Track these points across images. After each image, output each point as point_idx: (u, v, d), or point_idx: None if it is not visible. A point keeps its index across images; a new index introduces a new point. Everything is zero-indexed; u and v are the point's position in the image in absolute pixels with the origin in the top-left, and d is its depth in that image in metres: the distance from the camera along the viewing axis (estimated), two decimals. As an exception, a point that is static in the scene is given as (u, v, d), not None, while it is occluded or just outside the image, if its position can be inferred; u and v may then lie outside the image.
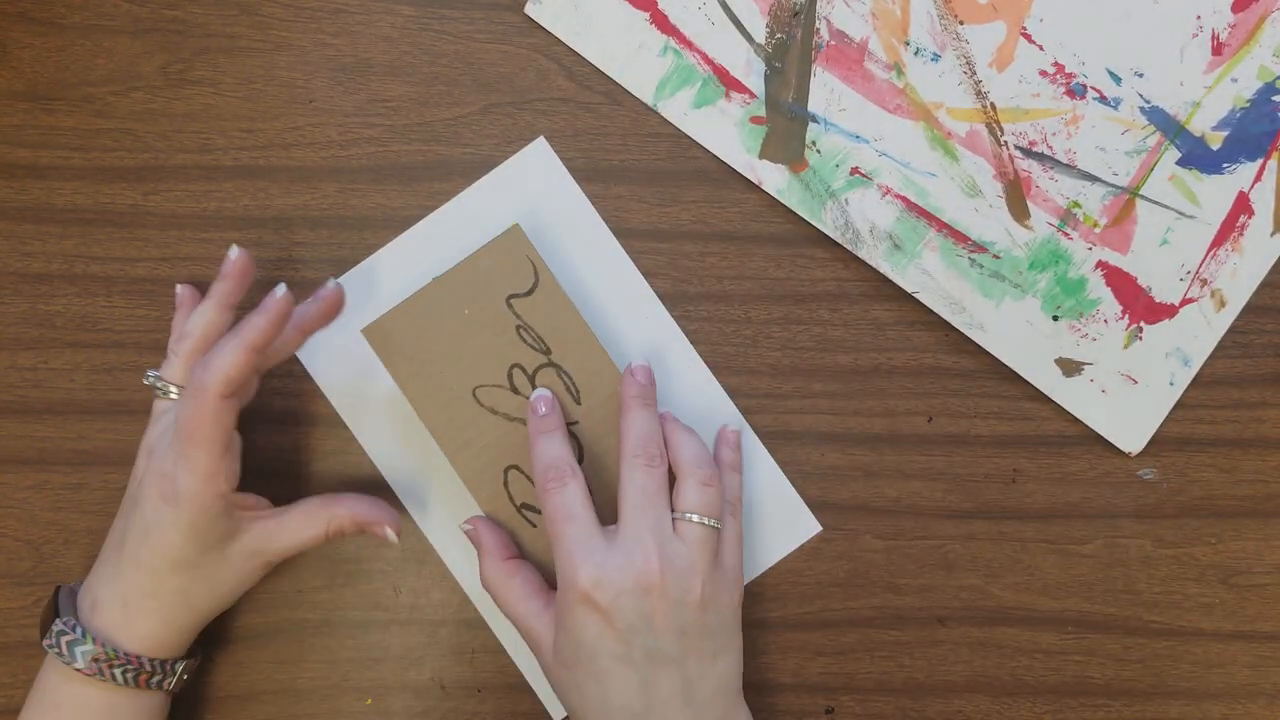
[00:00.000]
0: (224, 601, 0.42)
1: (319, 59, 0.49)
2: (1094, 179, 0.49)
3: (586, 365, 0.45)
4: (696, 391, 0.48)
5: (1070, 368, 0.49)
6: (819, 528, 0.48)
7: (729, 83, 0.49)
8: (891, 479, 0.49)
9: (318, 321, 0.44)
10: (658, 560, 0.40)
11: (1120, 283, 0.49)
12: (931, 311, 0.49)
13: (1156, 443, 0.49)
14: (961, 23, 0.49)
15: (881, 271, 0.49)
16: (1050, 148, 0.49)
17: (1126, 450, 0.49)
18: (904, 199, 0.49)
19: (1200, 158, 0.49)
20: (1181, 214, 0.49)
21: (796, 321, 0.49)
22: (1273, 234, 0.49)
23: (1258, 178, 0.49)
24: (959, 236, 0.49)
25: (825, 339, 0.49)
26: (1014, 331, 0.48)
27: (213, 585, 0.41)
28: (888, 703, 0.48)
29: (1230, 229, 0.49)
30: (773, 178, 0.49)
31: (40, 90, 0.48)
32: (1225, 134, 0.49)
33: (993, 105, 0.49)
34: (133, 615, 0.40)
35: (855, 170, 0.49)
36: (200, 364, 0.39)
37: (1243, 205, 0.49)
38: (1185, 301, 0.49)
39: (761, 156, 0.49)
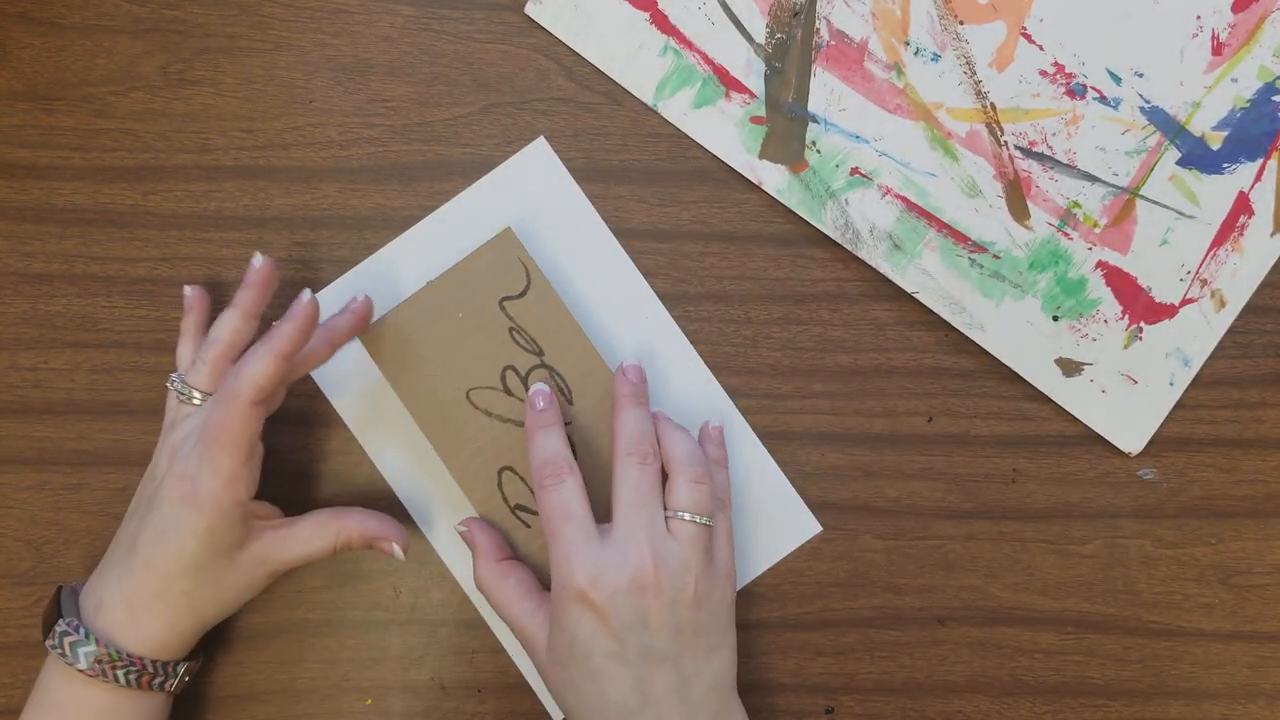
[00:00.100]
0: (228, 608, 0.42)
1: (319, 59, 0.49)
2: (1094, 179, 0.49)
3: (579, 366, 0.45)
4: (696, 391, 0.48)
5: (1070, 368, 0.49)
6: (819, 528, 0.48)
7: (729, 83, 0.49)
8: (891, 479, 0.49)
9: (346, 334, 0.44)
10: (651, 558, 0.40)
11: (1120, 283, 0.49)
12: (931, 311, 0.49)
13: (1156, 443, 0.49)
14: (961, 23, 0.49)
15: (881, 271, 0.49)
16: (1050, 148, 0.49)
17: (1126, 450, 0.49)
18: (904, 199, 0.49)
19: (1200, 158, 0.49)
20: (1181, 214, 0.49)
21: (796, 321, 0.49)
22: (1273, 234, 0.49)
23: (1258, 178, 0.49)
24: (959, 236, 0.49)
25: (825, 339, 0.49)
26: (1014, 331, 0.49)
27: (219, 591, 0.41)
28: (888, 703, 0.48)
29: (1230, 229, 0.49)
30: (773, 178, 0.49)
31: (40, 90, 0.48)
32: (1225, 134, 0.49)
33: (993, 105, 0.49)
34: (137, 617, 0.40)
35: (855, 170, 0.49)
36: (231, 371, 0.39)
37: (1243, 205, 0.49)
38: (1185, 301, 0.49)
39: (761, 156, 0.49)
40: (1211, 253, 0.49)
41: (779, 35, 0.49)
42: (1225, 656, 0.48)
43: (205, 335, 0.45)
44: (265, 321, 0.43)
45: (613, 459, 0.42)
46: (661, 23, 0.49)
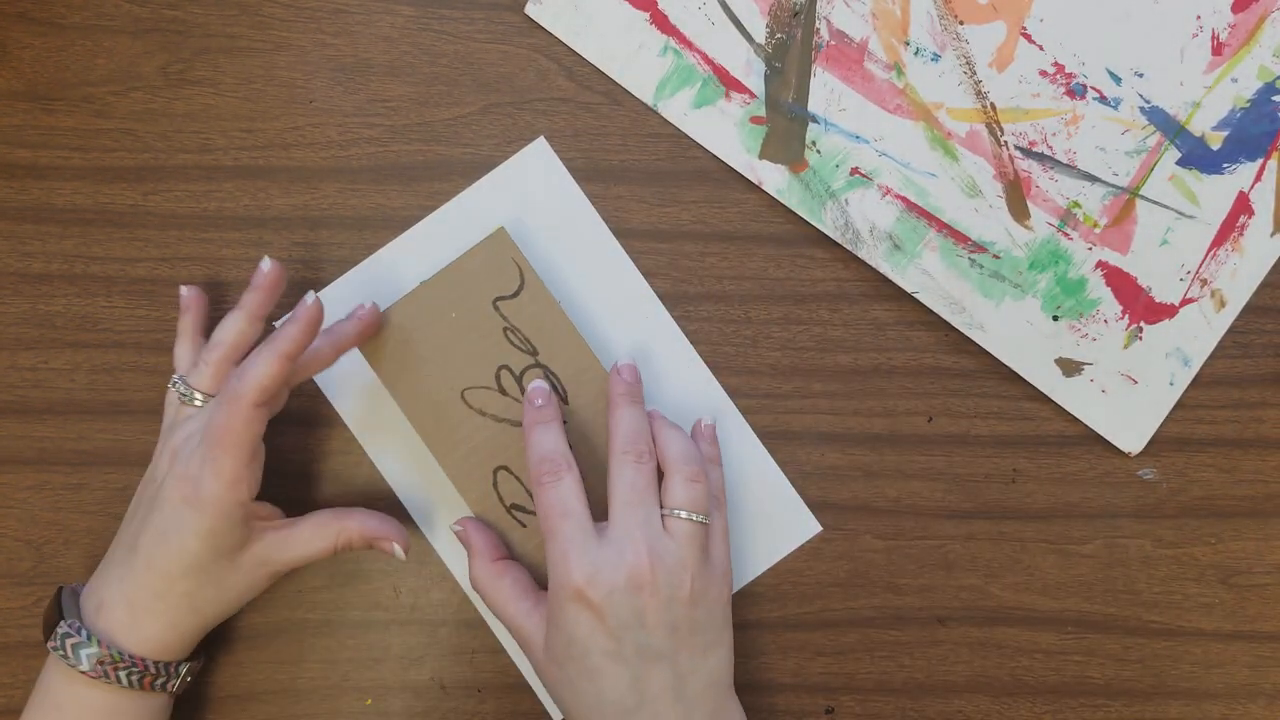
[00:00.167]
0: (229, 608, 0.42)
1: (319, 59, 0.49)
2: (1094, 179, 0.49)
3: (573, 365, 0.45)
4: (696, 392, 0.48)
5: (1070, 368, 0.49)
6: (819, 528, 0.48)
7: (729, 83, 0.49)
8: (891, 479, 0.49)
9: (352, 340, 0.44)
10: (648, 557, 0.40)
11: (1120, 283, 0.49)
12: (931, 311, 0.49)
13: (1156, 443, 0.49)
14: (961, 23, 0.49)
15: (881, 271, 0.49)
16: (1050, 148, 0.49)
17: (1126, 450, 0.49)
18: (904, 199, 0.49)
19: (1200, 158, 0.49)
20: (1181, 214, 0.49)
21: (796, 321, 0.49)
22: (1273, 234, 0.49)
23: (1258, 178, 0.49)
24: (959, 236, 0.49)
25: (825, 339, 0.49)
26: (1014, 331, 0.49)
27: (220, 591, 0.41)
28: (888, 703, 0.48)
29: (1230, 229, 0.49)
30: (773, 178, 0.49)
31: (40, 90, 0.48)
32: (1225, 134, 0.49)
33: (993, 105, 0.49)
34: (139, 617, 0.40)
35: (855, 170, 0.49)
36: (235, 373, 0.39)
37: (1243, 205, 0.49)
38: (1185, 301, 0.49)
39: (761, 156, 0.49)
40: (1211, 253, 0.49)
41: (779, 35, 0.49)
42: (1225, 656, 0.48)
43: (202, 336, 0.46)
44: (267, 325, 0.44)
45: (608, 458, 0.42)
46: (661, 23, 0.49)
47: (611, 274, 0.49)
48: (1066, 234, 0.49)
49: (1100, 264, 0.49)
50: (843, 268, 0.49)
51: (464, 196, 0.49)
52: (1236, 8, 0.49)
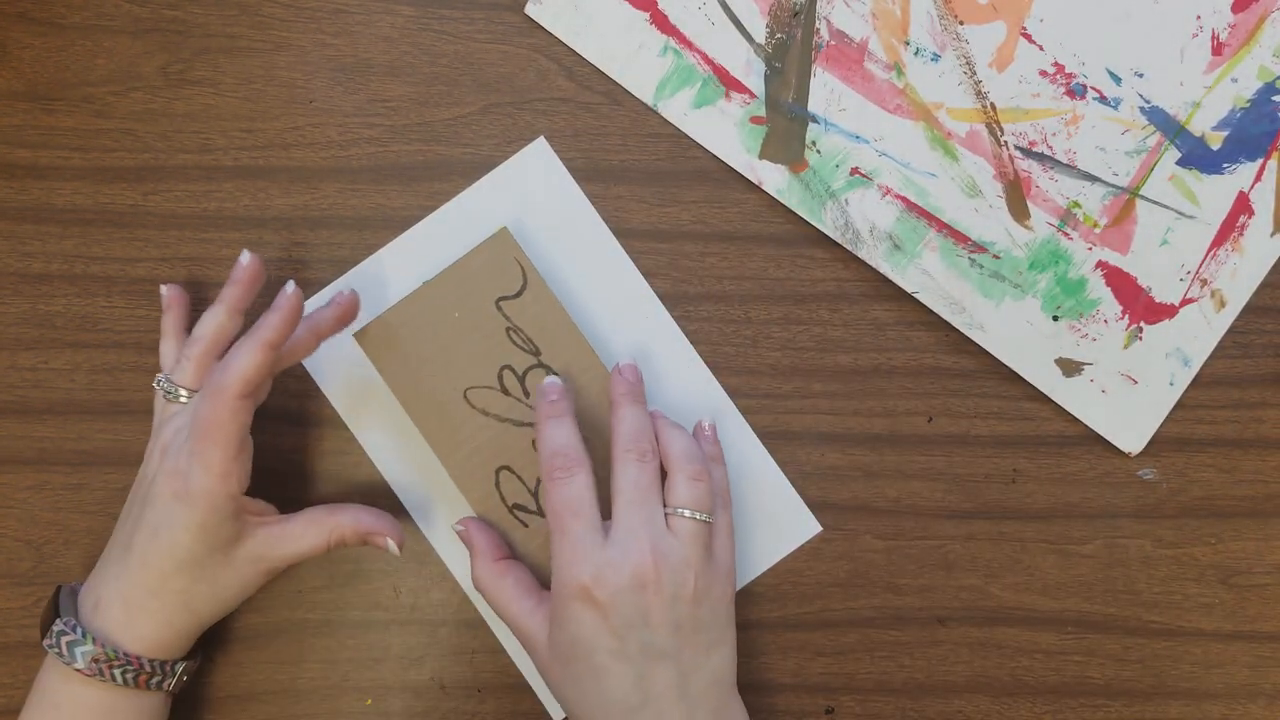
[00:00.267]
0: (225, 606, 0.42)
1: (319, 59, 0.49)
2: (1094, 179, 0.49)
3: (576, 365, 0.45)
4: (696, 392, 0.48)
5: (1070, 368, 0.49)
6: (819, 528, 0.48)
7: (729, 83, 0.49)
8: (891, 479, 0.49)
9: (332, 326, 0.44)
10: (651, 556, 0.40)
11: (1120, 283, 0.49)
12: (931, 311, 0.49)
13: (1156, 443, 0.49)
14: (961, 23, 0.49)
15: (881, 271, 0.49)
16: (1050, 148, 0.49)
17: (1126, 450, 0.49)
18: (904, 199, 0.49)
19: (1200, 158, 0.49)
20: (1181, 214, 0.49)
21: (796, 321, 0.49)
22: (1273, 234, 0.49)
23: (1258, 178, 0.49)
24: (959, 236, 0.49)
25: (825, 339, 0.49)
26: (1014, 331, 0.48)
27: (215, 589, 0.41)
28: (888, 703, 0.48)
29: (1230, 229, 0.49)
30: (773, 178, 0.49)
31: (40, 90, 0.48)
32: (1225, 134, 0.49)
33: (993, 105, 0.49)
34: (134, 615, 0.40)
35: (855, 170, 0.49)
36: (218, 366, 0.39)
37: (1243, 205, 0.49)
38: (1185, 301, 0.49)
39: (761, 156, 0.49)
40: (1211, 253, 0.49)
41: (779, 35, 0.49)
42: (1225, 656, 0.48)
43: (186, 333, 0.46)
44: (249, 318, 0.43)
45: (611, 457, 0.42)
46: (661, 23, 0.49)
47: (611, 274, 0.49)
48: (1066, 234, 0.49)
49: (1100, 264, 0.49)
50: (843, 268, 0.49)
51: (464, 197, 0.49)
52: (1236, 8, 0.49)
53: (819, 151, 0.49)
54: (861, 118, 0.49)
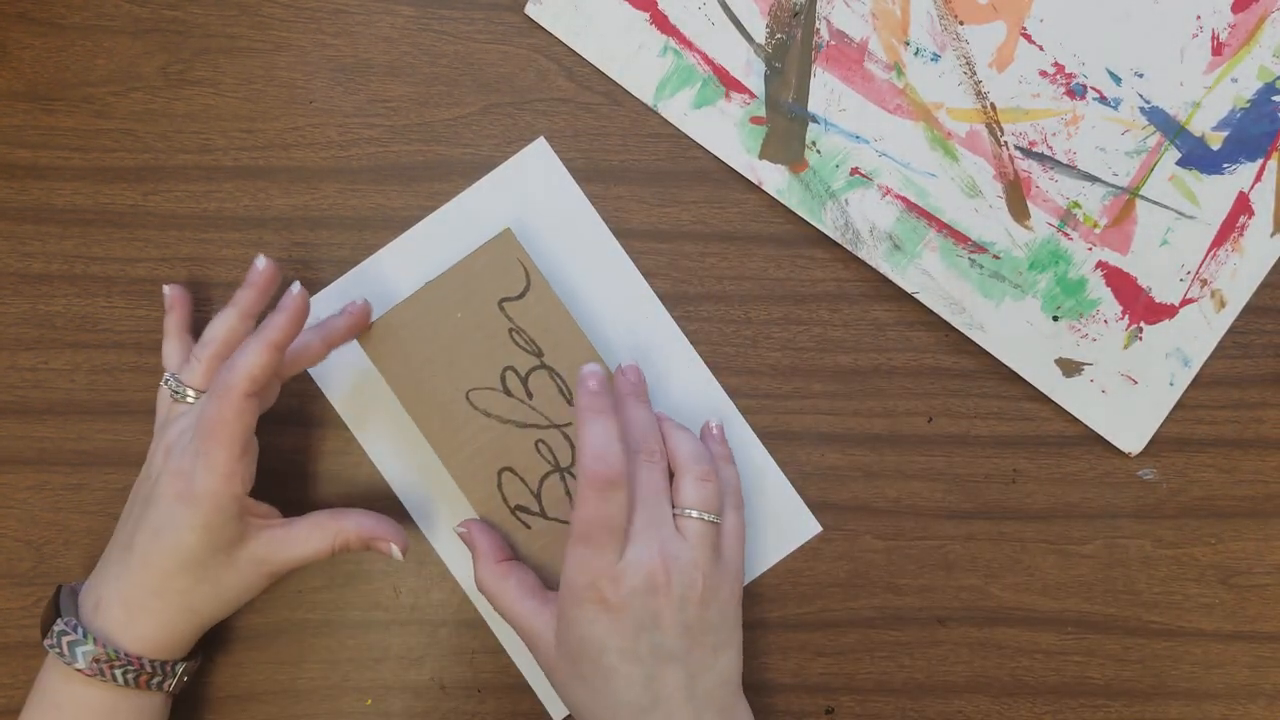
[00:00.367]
0: (226, 607, 0.42)
1: (319, 59, 0.49)
2: (1094, 179, 0.49)
3: (578, 367, 0.45)
4: (696, 392, 0.48)
5: (1070, 368, 0.49)
6: (819, 528, 0.48)
7: (729, 83, 0.49)
8: (891, 479, 0.49)
9: (344, 335, 0.44)
10: (661, 558, 0.40)
11: (1120, 283, 0.49)
12: (931, 312, 0.49)
13: (1156, 443, 0.49)
14: (961, 23, 0.49)
15: (881, 272, 0.49)
16: (1050, 148, 0.49)
17: (1126, 450, 0.49)
18: (904, 199, 0.49)
19: (1200, 158, 0.49)
20: (1181, 214, 0.49)
21: (796, 321, 0.49)
22: (1273, 234, 0.49)
23: (1258, 178, 0.49)
24: (959, 237, 0.49)
25: (825, 339, 0.49)
26: (1014, 332, 0.49)
27: (217, 590, 0.41)
28: (888, 703, 0.48)
29: (1230, 229, 0.49)
30: (773, 178, 0.49)
31: (40, 90, 0.48)
32: (1225, 134, 0.49)
33: (993, 105, 0.49)
34: (135, 615, 0.40)
35: (855, 170, 0.49)
36: (225, 366, 0.39)
37: (1243, 205, 0.49)
38: (1185, 302, 0.49)
39: (761, 157, 0.49)
40: (1211, 253, 0.49)
41: (779, 35, 0.49)
42: (1225, 656, 0.48)
43: (188, 333, 0.46)
44: (258, 322, 0.43)
45: None
46: (661, 23, 0.49)
47: (612, 274, 0.49)
48: (1066, 234, 0.49)
49: (1100, 264, 0.49)
50: (843, 268, 0.49)
51: (464, 197, 0.49)
52: (1236, 8, 0.49)
53: (819, 151, 0.49)
54: (861, 118, 0.49)
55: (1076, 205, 0.49)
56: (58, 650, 0.39)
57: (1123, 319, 0.49)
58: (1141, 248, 0.49)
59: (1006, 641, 0.48)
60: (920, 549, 0.48)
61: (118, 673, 0.39)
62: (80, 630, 0.39)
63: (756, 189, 0.49)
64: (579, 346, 0.45)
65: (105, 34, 0.49)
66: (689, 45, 0.49)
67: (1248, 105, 0.49)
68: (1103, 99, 0.49)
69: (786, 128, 0.49)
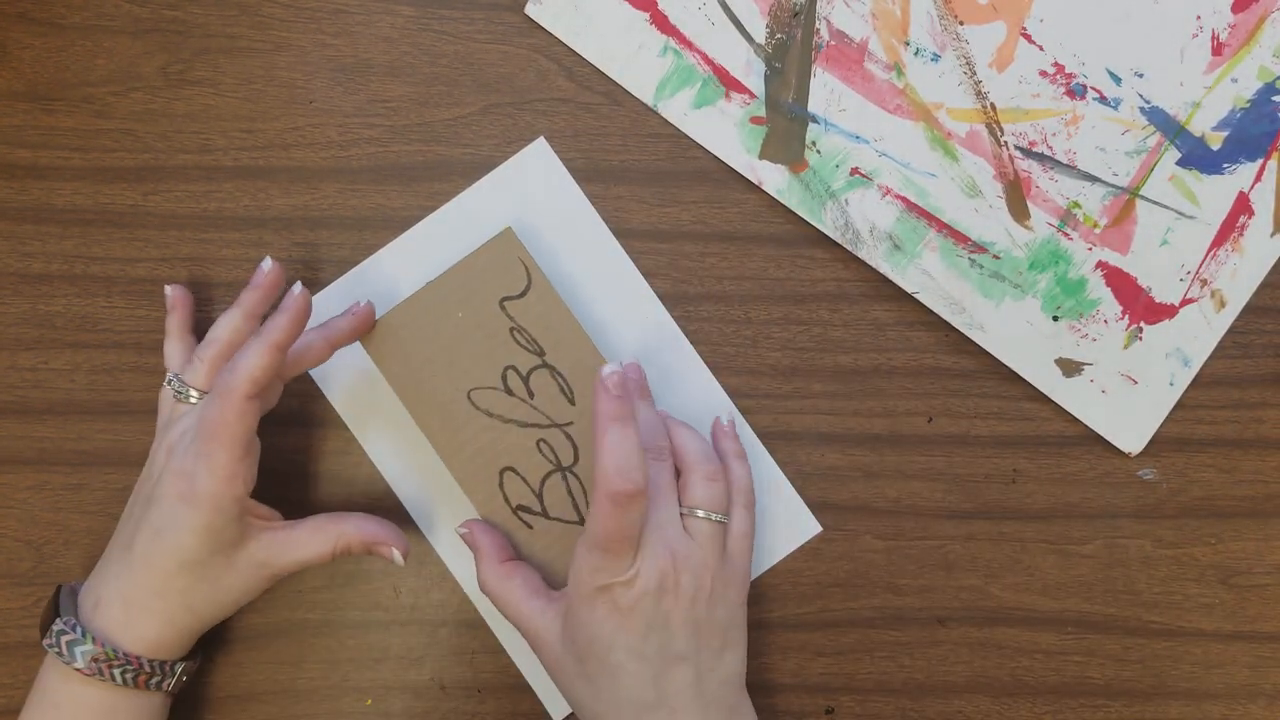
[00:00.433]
0: (225, 609, 0.42)
1: (319, 59, 0.49)
2: (1094, 179, 0.49)
3: (580, 366, 0.45)
4: (696, 391, 0.48)
5: (1070, 368, 0.49)
6: (819, 528, 0.48)
7: (729, 83, 0.49)
8: (891, 479, 0.49)
9: (347, 336, 0.44)
10: (671, 558, 0.40)
11: (1120, 283, 0.49)
12: (931, 312, 0.49)
13: (1156, 443, 0.49)
14: (961, 23, 0.49)
15: (881, 272, 0.49)
16: (1050, 148, 0.49)
17: (1126, 450, 0.49)
18: (904, 199, 0.49)
19: (1200, 158, 0.49)
20: (1181, 214, 0.49)
21: (796, 321, 0.49)
22: (1273, 234, 0.49)
23: (1258, 178, 0.49)
24: (959, 237, 0.49)
25: (825, 339, 0.49)
26: (1014, 332, 0.49)
27: (216, 590, 0.41)
28: (888, 703, 0.48)
29: (1230, 229, 0.49)
30: (773, 178, 0.49)
31: (40, 90, 0.48)
32: (1225, 134, 0.49)
33: (993, 105, 0.49)
34: (134, 615, 0.40)
35: (855, 170, 0.49)
36: (226, 367, 0.39)
37: (1243, 205, 0.49)
38: (1185, 302, 0.49)
39: (761, 157, 0.49)
40: (1211, 253, 0.49)
41: (779, 35, 0.49)
42: (1225, 657, 0.48)
43: (190, 333, 0.46)
44: (262, 324, 0.43)
45: None
46: (661, 23, 0.49)
47: (612, 274, 0.49)
48: (1066, 234, 0.49)
49: (1100, 264, 0.49)
50: (843, 268, 0.49)
51: (464, 197, 0.49)
52: (1236, 8, 0.49)
53: (819, 151, 0.49)
54: (861, 118, 0.49)
55: (1076, 205, 0.49)
56: (56, 650, 0.39)
57: (1123, 319, 0.49)
58: (1141, 248, 0.49)
59: (1006, 641, 0.48)
60: (920, 549, 0.48)
61: (116, 672, 0.39)
62: (79, 630, 0.39)
63: (756, 189, 0.49)
64: (581, 345, 0.45)
65: (105, 34, 0.49)
66: (689, 45, 0.49)
67: (1248, 105, 0.49)
68: (1103, 99, 0.49)
69: (786, 128, 0.49)
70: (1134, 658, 0.48)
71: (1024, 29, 0.49)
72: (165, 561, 0.40)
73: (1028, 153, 0.49)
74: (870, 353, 0.49)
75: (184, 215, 0.48)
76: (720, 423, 0.47)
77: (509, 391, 0.45)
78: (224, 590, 0.41)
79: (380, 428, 0.48)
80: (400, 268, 0.48)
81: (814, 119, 0.49)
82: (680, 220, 0.49)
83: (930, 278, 0.49)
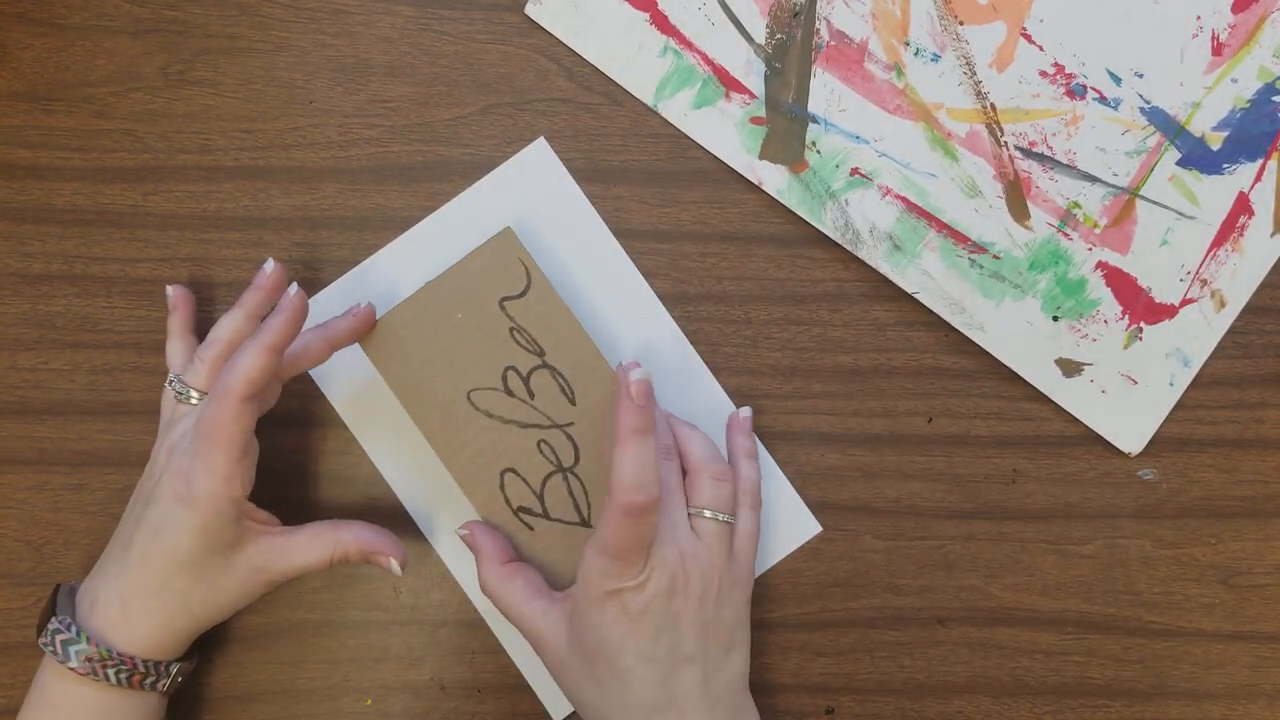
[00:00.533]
0: (222, 611, 0.42)
1: (319, 59, 0.49)
2: (1094, 179, 0.49)
3: (581, 366, 0.45)
4: (697, 392, 0.48)
5: (1070, 368, 0.49)
6: (819, 528, 0.48)
7: (729, 83, 0.49)
8: (891, 479, 0.49)
9: (347, 337, 0.44)
10: (680, 560, 0.40)
11: (1120, 283, 0.49)
12: (931, 312, 0.49)
13: (1156, 443, 0.49)
14: (961, 23, 0.49)
15: (881, 272, 0.49)
16: (1050, 148, 0.49)
17: (1126, 450, 0.49)
18: (904, 199, 0.49)
19: (1200, 158, 0.49)
20: (1181, 214, 0.49)
21: (796, 322, 0.49)
22: (1273, 234, 0.49)
23: (1258, 178, 0.49)
24: (959, 237, 0.49)
25: (825, 339, 0.49)
26: (1014, 332, 0.49)
27: (213, 592, 0.41)
28: (888, 703, 0.48)
29: (1230, 229, 0.49)
30: (773, 178, 0.49)
31: (40, 90, 0.48)
32: (1225, 134, 0.49)
33: (993, 106, 0.49)
34: (131, 615, 0.40)
35: (855, 171, 0.49)
36: (224, 369, 0.39)
37: (1243, 206, 0.49)
38: (1185, 302, 0.49)
39: (761, 157, 0.49)
40: (1211, 253, 0.49)
41: (779, 36, 0.49)
42: (1225, 657, 0.48)
43: (191, 333, 0.46)
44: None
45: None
46: (661, 23, 0.49)
47: (612, 274, 0.49)
48: (1066, 234, 0.49)
49: (1100, 264, 0.49)
50: (843, 268, 0.49)
51: (464, 197, 0.49)
52: (1236, 8, 0.49)
53: (819, 152, 0.49)
54: (861, 118, 0.49)
55: (1076, 205, 0.49)
56: (52, 649, 0.39)
57: (1123, 319, 0.49)
58: (1141, 248, 0.49)
59: (1006, 641, 0.48)
60: (920, 549, 0.48)
61: (110, 672, 0.39)
62: (74, 629, 0.39)
63: (756, 189, 0.49)
64: (581, 345, 0.45)
65: (105, 34, 0.49)
66: (689, 45, 0.49)
67: (1248, 105, 0.49)
68: (1103, 99, 0.49)
69: (786, 128, 0.49)
70: (1134, 658, 0.48)
71: (1024, 29, 0.49)
72: (162, 561, 0.40)
73: (1028, 153, 0.49)
74: (870, 353, 0.49)
75: (184, 215, 0.48)
76: (738, 417, 0.47)
77: (509, 392, 0.45)
78: (221, 592, 0.41)
79: (380, 428, 0.48)
80: (400, 268, 0.48)
81: (814, 119, 0.49)
82: (680, 220, 0.49)
83: (930, 278, 0.49)
